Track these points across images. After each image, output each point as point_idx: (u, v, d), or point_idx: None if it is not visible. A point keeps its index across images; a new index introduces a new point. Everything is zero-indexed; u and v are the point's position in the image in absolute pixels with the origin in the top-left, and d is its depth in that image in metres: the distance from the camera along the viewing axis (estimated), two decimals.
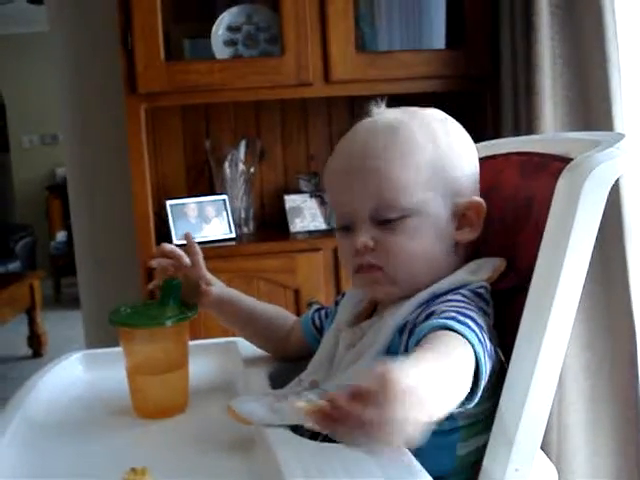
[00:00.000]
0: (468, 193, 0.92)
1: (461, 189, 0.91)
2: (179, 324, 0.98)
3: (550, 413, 0.82)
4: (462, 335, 0.74)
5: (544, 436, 0.83)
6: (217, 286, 1.08)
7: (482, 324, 0.80)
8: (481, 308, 0.84)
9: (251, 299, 1.11)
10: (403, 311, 0.87)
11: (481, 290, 0.87)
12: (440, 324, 0.76)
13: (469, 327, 0.76)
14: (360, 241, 0.89)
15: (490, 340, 0.79)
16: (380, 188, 0.87)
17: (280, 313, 1.14)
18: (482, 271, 0.90)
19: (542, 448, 0.88)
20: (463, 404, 0.73)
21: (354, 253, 0.90)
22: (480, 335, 0.76)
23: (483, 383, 0.75)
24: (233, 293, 1.10)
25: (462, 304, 0.82)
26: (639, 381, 1.77)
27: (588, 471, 1.86)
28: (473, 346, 0.74)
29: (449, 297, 0.85)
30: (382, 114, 0.94)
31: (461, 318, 0.78)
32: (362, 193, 0.88)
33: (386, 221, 0.88)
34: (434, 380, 0.65)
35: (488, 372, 0.76)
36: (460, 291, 0.85)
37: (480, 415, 0.85)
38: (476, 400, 0.75)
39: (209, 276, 1.09)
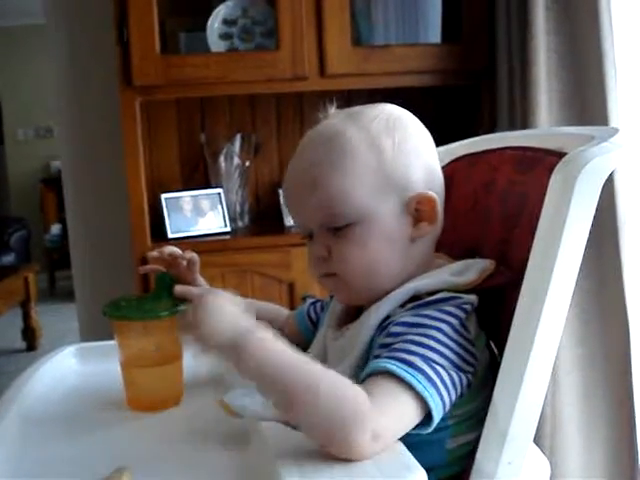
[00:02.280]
0: (419, 188, 0.90)
1: (409, 186, 0.89)
2: (173, 317, 0.98)
3: (543, 407, 0.82)
4: (407, 383, 0.75)
5: (537, 430, 0.84)
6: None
7: (447, 354, 0.80)
8: (458, 330, 0.82)
9: (246, 300, 1.12)
10: (381, 310, 0.87)
11: (467, 307, 0.85)
12: (382, 368, 0.76)
13: (417, 369, 0.76)
14: (314, 252, 0.91)
15: (458, 368, 0.80)
16: (322, 199, 0.88)
17: (273, 308, 1.14)
18: (468, 273, 0.89)
19: (535, 441, 0.88)
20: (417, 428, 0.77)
21: (313, 262, 0.92)
22: (433, 373, 0.77)
23: (437, 418, 0.77)
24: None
25: (431, 330, 0.81)
26: (632, 375, 1.77)
27: (581, 464, 1.87)
28: (419, 392, 0.75)
29: (426, 312, 0.83)
30: (325, 121, 0.94)
31: (413, 359, 0.77)
32: (308, 205, 0.89)
33: (336, 229, 0.89)
34: (283, 370, 0.73)
35: (448, 403, 0.78)
36: (443, 307, 0.84)
37: (469, 412, 0.85)
38: (430, 429, 0.77)
39: (201, 280, 1.10)
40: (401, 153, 0.89)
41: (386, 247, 0.89)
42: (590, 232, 0.79)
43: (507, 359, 0.81)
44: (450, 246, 0.99)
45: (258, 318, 1.09)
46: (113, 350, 0.99)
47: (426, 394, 0.76)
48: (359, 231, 0.88)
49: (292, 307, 1.98)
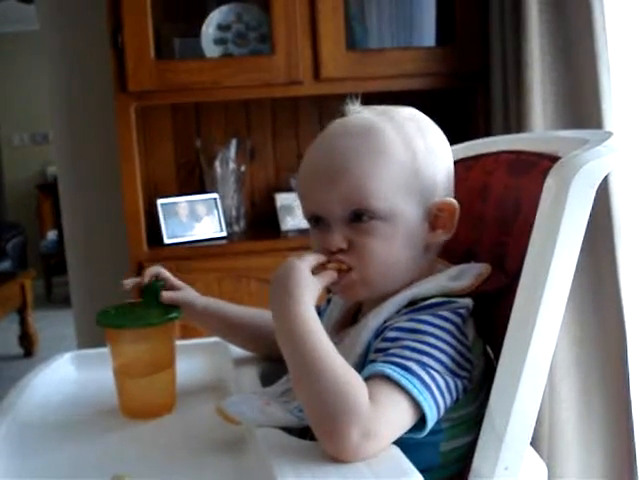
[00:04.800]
0: (441, 194, 0.91)
1: (435, 190, 0.90)
2: (165, 324, 0.99)
3: (541, 409, 0.83)
4: (403, 387, 0.76)
5: (535, 432, 0.84)
6: (201, 299, 1.09)
7: (443, 359, 0.80)
8: (455, 335, 0.83)
9: (236, 307, 1.12)
10: (381, 315, 0.87)
11: (462, 311, 0.85)
12: (379, 372, 0.77)
13: (413, 374, 0.77)
14: (334, 243, 0.88)
15: (453, 373, 0.80)
16: (351, 191, 0.86)
17: (266, 315, 1.14)
18: (464, 278, 0.89)
19: (533, 444, 0.88)
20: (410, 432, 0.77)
21: (326, 252, 0.89)
22: (429, 378, 0.78)
23: (431, 423, 0.77)
24: (219, 303, 1.11)
25: (426, 336, 0.81)
26: (629, 376, 1.78)
27: (579, 467, 1.87)
28: (414, 396, 0.76)
29: (421, 317, 0.83)
30: (355, 114, 0.93)
31: (409, 364, 0.78)
32: (334, 195, 0.87)
33: (358, 223, 0.87)
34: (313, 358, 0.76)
35: (442, 408, 0.79)
36: (438, 312, 0.84)
37: (465, 416, 0.86)
38: (424, 434, 0.78)
39: (180, 283, 1.10)
40: (430, 156, 0.90)
41: (406, 248, 0.89)
42: (585, 234, 0.80)
43: (503, 363, 0.81)
44: (447, 250, 0.99)
45: (253, 325, 1.10)
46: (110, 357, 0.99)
47: (421, 399, 0.76)
48: (384, 228, 0.87)
49: None
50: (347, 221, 0.88)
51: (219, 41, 2.06)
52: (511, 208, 0.92)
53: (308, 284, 0.84)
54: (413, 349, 0.79)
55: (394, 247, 0.88)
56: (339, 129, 0.91)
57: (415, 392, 0.76)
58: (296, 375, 0.78)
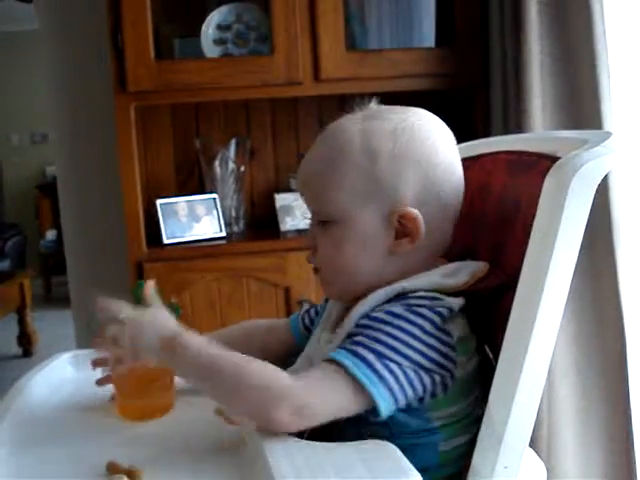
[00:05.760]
0: (408, 202, 0.89)
1: (397, 198, 0.89)
2: None
3: (540, 410, 0.83)
4: (349, 373, 0.79)
5: (534, 433, 0.84)
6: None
7: (408, 353, 0.81)
8: (428, 331, 0.83)
9: (224, 330, 1.13)
10: (366, 305, 0.88)
11: (442, 310, 0.85)
12: (333, 358, 0.80)
13: (367, 363, 0.79)
14: (306, 242, 0.96)
15: (421, 367, 0.81)
16: (314, 192, 0.92)
17: (244, 327, 1.15)
18: (459, 275, 0.89)
19: (532, 445, 0.88)
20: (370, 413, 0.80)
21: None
22: (383, 369, 0.79)
23: (384, 407, 0.79)
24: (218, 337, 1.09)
25: (394, 329, 0.82)
26: (628, 376, 1.78)
27: (578, 467, 1.87)
28: (362, 384, 0.78)
29: (397, 310, 0.84)
30: (344, 118, 0.94)
31: (365, 354, 0.80)
32: (307, 199, 0.94)
33: (322, 225, 0.92)
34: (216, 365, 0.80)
35: (401, 399, 0.80)
36: (416, 309, 0.84)
37: (458, 414, 0.86)
38: (380, 418, 0.80)
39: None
40: (397, 161, 0.88)
41: (360, 253, 0.90)
42: (585, 234, 0.80)
43: (502, 363, 0.81)
44: (447, 250, 0.99)
45: (256, 342, 1.10)
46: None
47: (371, 388, 0.78)
48: (337, 231, 0.90)
49: (288, 311, 1.98)
50: (317, 222, 0.93)
51: (219, 41, 2.06)
52: (511, 208, 0.92)
53: (157, 318, 0.89)
54: (377, 340, 0.81)
55: (344, 251, 0.90)
56: (320, 135, 0.95)
57: (364, 380, 0.78)
58: (215, 395, 0.83)
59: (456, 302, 0.86)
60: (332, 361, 0.81)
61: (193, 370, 0.83)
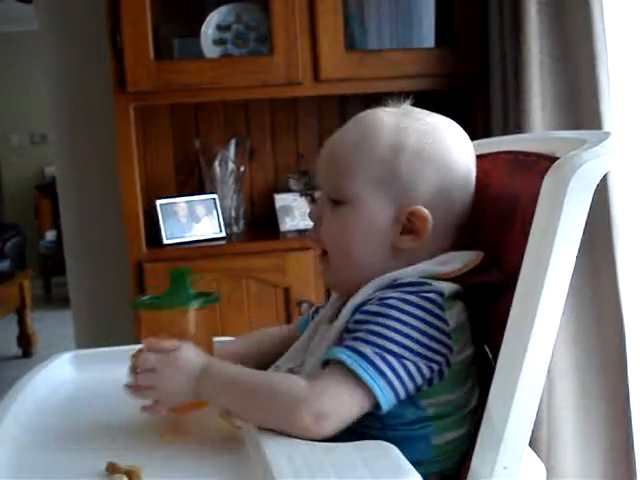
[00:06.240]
0: (419, 200, 0.91)
1: (412, 196, 0.91)
2: (202, 312, 0.95)
3: (539, 409, 0.83)
4: (353, 372, 0.79)
5: (533, 432, 0.84)
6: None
7: (407, 343, 0.82)
8: (423, 319, 0.84)
9: (242, 340, 1.12)
10: (360, 295, 0.89)
11: (432, 295, 0.85)
12: (336, 358, 0.81)
13: (368, 360, 0.80)
14: (310, 213, 0.98)
15: (420, 356, 0.82)
16: (334, 170, 0.94)
17: (264, 337, 1.14)
18: (452, 263, 0.90)
19: (532, 444, 0.88)
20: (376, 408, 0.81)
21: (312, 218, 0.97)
22: (383, 364, 0.80)
23: (385, 405, 0.80)
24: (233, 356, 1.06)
25: (390, 320, 0.83)
26: (628, 375, 1.78)
27: (578, 467, 1.87)
28: (367, 384, 0.79)
29: (390, 301, 0.84)
30: (382, 109, 0.96)
31: (365, 350, 0.81)
32: (325, 173, 0.96)
33: (333, 205, 0.93)
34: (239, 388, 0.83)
35: (402, 392, 0.81)
36: (407, 297, 0.85)
37: (450, 405, 0.86)
38: (382, 412, 0.81)
39: None
40: (419, 160, 0.91)
41: (364, 239, 0.92)
42: (584, 233, 0.80)
43: (501, 362, 0.81)
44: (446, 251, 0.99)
45: (273, 350, 1.09)
46: (110, 357, 0.99)
47: (374, 386, 0.79)
48: (346, 212, 0.92)
49: (288, 312, 1.98)
50: (327, 198, 0.94)
51: (218, 41, 2.06)
52: (510, 207, 0.92)
53: (182, 358, 0.86)
54: (375, 333, 0.82)
55: (351, 234, 0.92)
56: (352, 119, 0.97)
57: (368, 380, 0.79)
58: (241, 410, 0.84)
59: (446, 286, 0.87)
60: (334, 362, 0.82)
61: (227, 400, 0.85)
